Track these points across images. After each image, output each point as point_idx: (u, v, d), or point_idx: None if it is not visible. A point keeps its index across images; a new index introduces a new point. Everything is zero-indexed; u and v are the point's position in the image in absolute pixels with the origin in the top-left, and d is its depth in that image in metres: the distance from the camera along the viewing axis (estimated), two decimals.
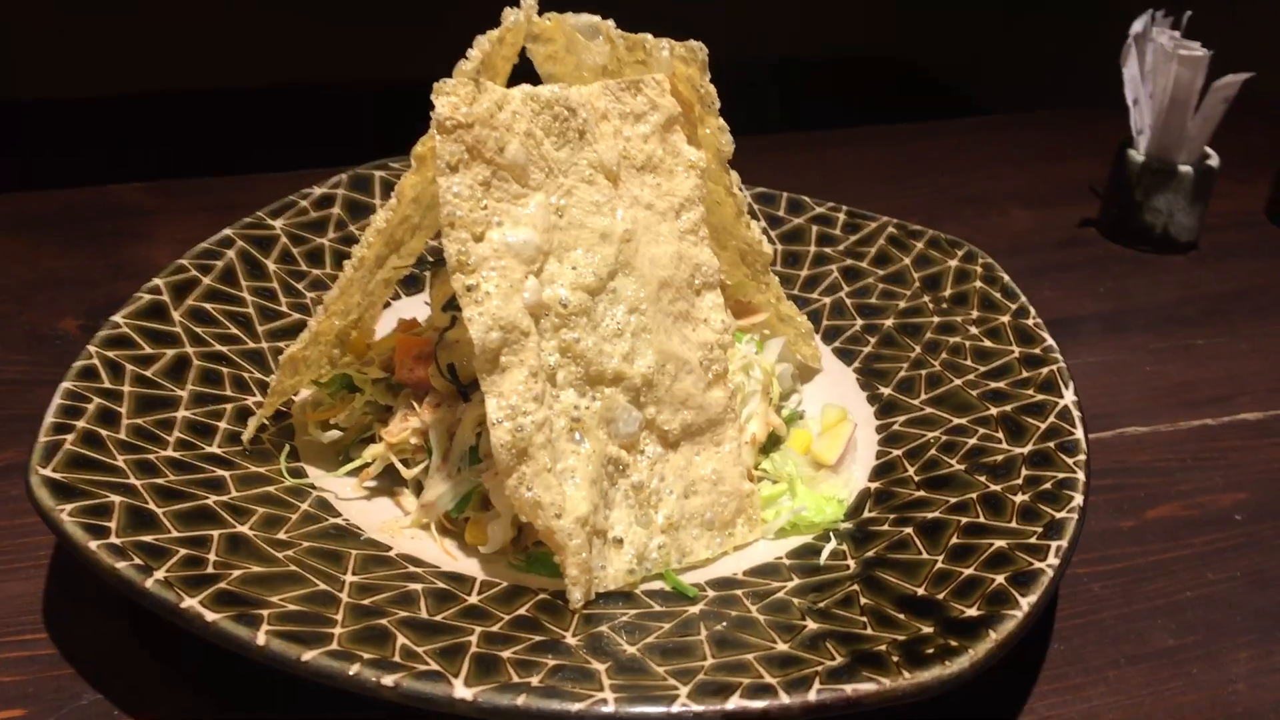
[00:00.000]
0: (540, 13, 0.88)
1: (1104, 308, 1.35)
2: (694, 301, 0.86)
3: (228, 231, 1.10)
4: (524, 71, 0.91)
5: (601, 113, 0.83)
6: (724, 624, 0.75)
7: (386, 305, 1.06)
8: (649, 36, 0.86)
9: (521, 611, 0.76)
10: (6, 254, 1.30)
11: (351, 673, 0.66)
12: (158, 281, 1.02)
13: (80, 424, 0.84)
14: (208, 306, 1.02)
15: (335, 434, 0.91)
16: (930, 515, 0.85)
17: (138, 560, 0.73)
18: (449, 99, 0.75)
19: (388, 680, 0.66)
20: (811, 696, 0.66)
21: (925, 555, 0.81)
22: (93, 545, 0.73)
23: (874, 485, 0.91)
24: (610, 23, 0.88)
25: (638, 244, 0.83)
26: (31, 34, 1.56)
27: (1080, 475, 0.85)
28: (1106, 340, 1.28)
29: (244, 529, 0.80)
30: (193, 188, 1.48)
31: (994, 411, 0.95)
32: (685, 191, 0.86)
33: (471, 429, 0.84)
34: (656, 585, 0.82)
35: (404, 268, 0.94)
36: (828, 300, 1.13)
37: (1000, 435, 0.92)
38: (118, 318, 0.96)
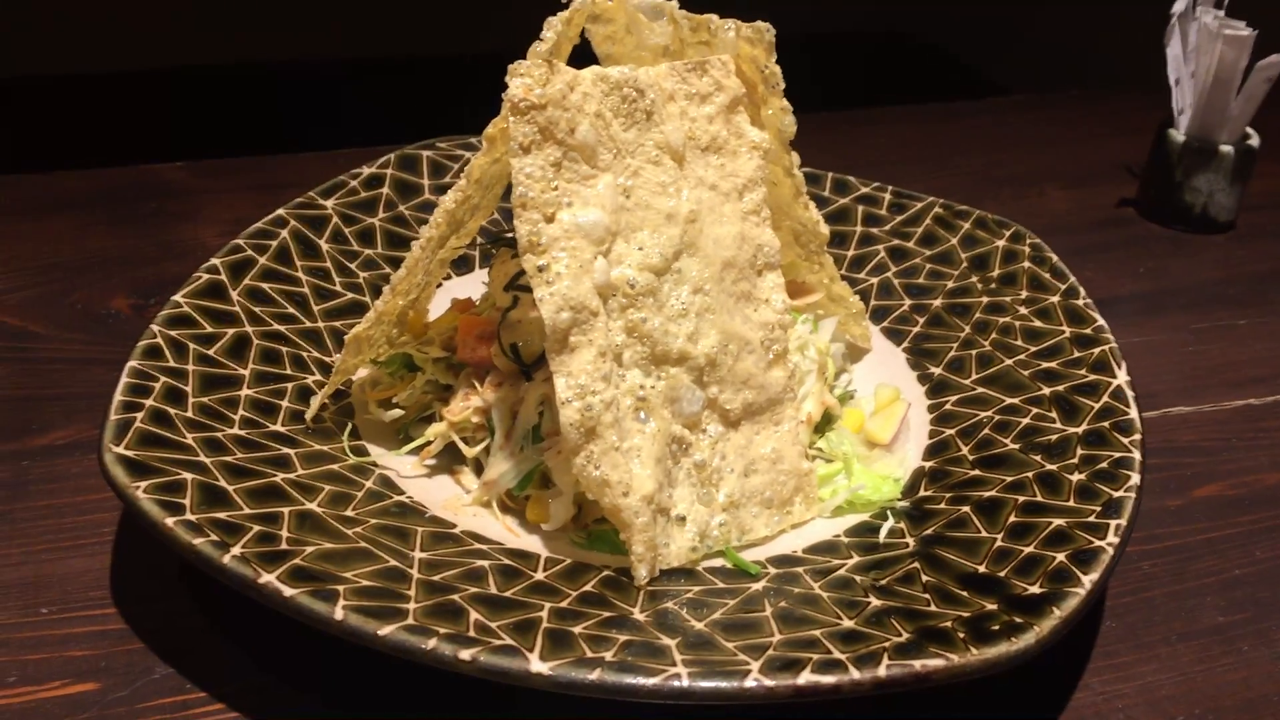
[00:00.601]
0: None
1: (1144, 287, 1.35)
2: (756, 282, 0.87)
3: (281, 211, 1.11)
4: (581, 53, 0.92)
5: (669, 94, 0.84)
6: (787, 601, 0.76)
7: (438, 285, 1.07)
8: (714, 17, 0.87)
9: (588, 588, 0.77)
10: (54, 233, 1.31)
11: (429, 646, 0.68)
12: (215, 261, 1.03)
13: (149, 402, 0.85)
14: (265, 286, 1.03)
15: (396, 413, 0.92)
16: (987, 494, 0.86)
17: (214, 536, 0.74)
18: (523, 80, 0.76)
19: (465, 654, 0.67)
20: (881, 672, 0.67)
21: (984, 533, 0.81)
22: (170, 522, 0.74)
23: (929, 464, 0.92)
24: (674, 3, 0.89)
25: (702, 224, 0.84)
26: (69, 7, 1.56)
27: (1136, 454, 0.86)
28: (1148, 320, 1.28)
29: (312, 506, 0.81)
30: (235, 167, 1.49)
31: (1046, 391, 0.95)
32: (748, 172, 0.87)
33: (534, 408, 0.85)
34: (718, 563, 0.83)
35: (460, 248, 0.95)
36: (875, 280, 1.14)
37: (1054, 415, 0.93)
38: (179, 297, 0.97)
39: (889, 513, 0.86)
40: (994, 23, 2.29)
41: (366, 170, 1.19)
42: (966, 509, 0.85)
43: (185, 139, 1.53)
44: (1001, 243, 1.13)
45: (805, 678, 0.67)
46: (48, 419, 1.02)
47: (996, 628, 0.71)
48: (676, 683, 0.67)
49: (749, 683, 0.67)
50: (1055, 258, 1.10)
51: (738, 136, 0.86)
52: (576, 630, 0.71)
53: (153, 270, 1.26)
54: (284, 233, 1.09)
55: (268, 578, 0.71)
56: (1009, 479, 0.87)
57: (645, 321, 0.80)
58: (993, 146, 1.68)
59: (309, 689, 0.77)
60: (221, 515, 0.77)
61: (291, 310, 1.02)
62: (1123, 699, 0.80)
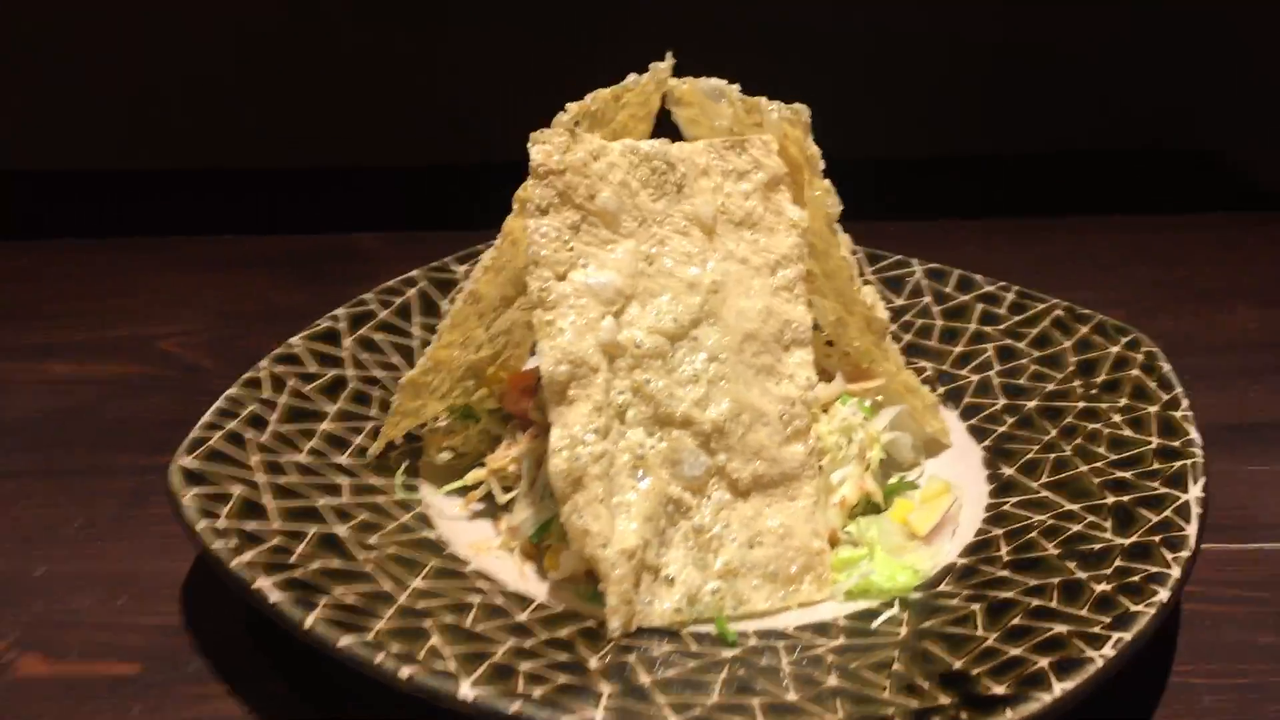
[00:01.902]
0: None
1: None
2: (780, 356, 0.87)
3: (414, 273, 1.21)
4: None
5: (702, 169, 0.87)
6: (746, 670, 0.75)
7: None
8: (763, 100, 0.90)
9: (561, 634, 0.79)
10: (246, 286, 1.48)
11: (376, 661, 0.72)
12: (339, 311, 1.13)
13: (230, 425, 0.95)
14: (377, 337, 1.12)
15: (447, 455, 0.98)
16: (1004, 595, 0.82)
17: (233, 543, 0.81)
18: (543, 147, 0.81)
19: (404, 672, 0.71)
20: None
21: (980, 632, 0.78)
22: (200, 525, 0.83)
23: (961, 561, 0.88)
24: (735, 87, 0.92)
25: (725, 295, 0.86)
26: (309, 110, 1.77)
27: (1174, 572, 0.80)
28: None
29: (339, 530, 0.87)
30: (422, 238, 1.62)
31: (1110, 500, 0.90)
32: (784, 249, 0.88)
33: None
34: (707, 629, 0.83)
35: None
36: (975, 378, 1.10)
37: (1108, 525, 0.87)
38: (295, 339, 1.08)
39: (898, 602, 0.84)
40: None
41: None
42: (976, 607, 0.81)
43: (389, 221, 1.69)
44: (1115, 349, 1.08)
45: None
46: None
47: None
48: None
49: None
50: (1167, 367, 1.03)
51: (776, 214, 0.88)
52: (524, 667, 0.73)
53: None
54: (411, 291, 1.19)
55: (262, 582, 0.78)
56: (1032, 583, 0.82)
57: (649, 383, 0.82)
58: (1192, 260, 1.58)
59: (314, 703, 0.83)
60: (249, 526, 0.84)
61: (395, 360, 1.10)
62: None
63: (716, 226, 0.86)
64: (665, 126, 0.97)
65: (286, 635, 0.77)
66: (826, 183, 0.90)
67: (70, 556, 0.98)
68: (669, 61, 0.93)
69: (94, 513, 1.04)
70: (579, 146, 0.82)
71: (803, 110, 0.88)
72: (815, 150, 0.88)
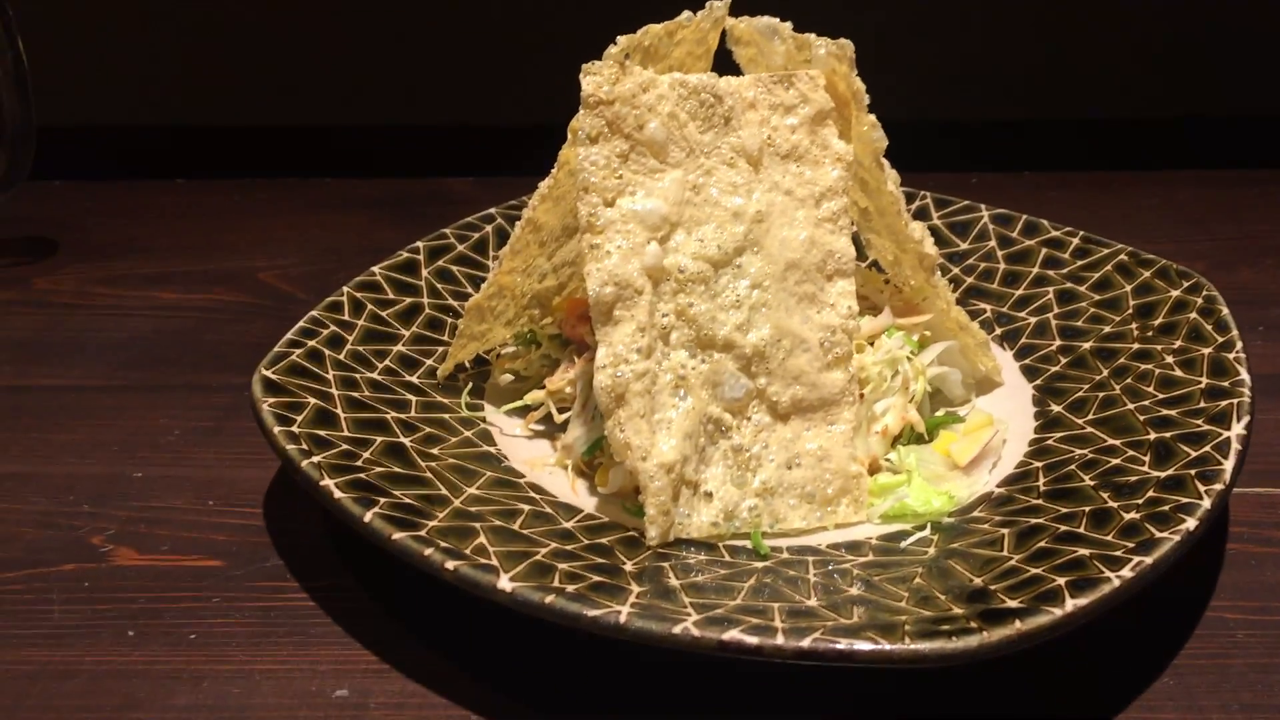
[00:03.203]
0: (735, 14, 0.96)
1: None
2: (823, 285, 0.90)
3: (492, 210, 1.26)
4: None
5: (750, 102, 0.90)
6: (772, 579, 0.79)
7: None
8: (812, 36, 0.92)
9: (602, 540, 0.84)
10: (347, 225, 1.55)
11: (425, 553, 0.77)
12: (419, 244, 1.19)
13: (311, 343, 1.02)
14: (454, 269, 1.18)
15: (508, 377, 1.03)
16: (1034, 521, 0.84)
17: (305, 446, 0.88)
18: (594, 78, 0.85)
19: (450, 565, 0.76)
20: (805, 643, 0.69)
21: (1004, 553, 0.80)
22: (277, 430, 0.89)
23: (999, 491, 0.90)
24: (788, 24, 0.95)
25: (770, 225, 0.89)
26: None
27: (1204, 503, 0.81)
28: None
29: (405, 440, 0.93)
30: (514, 183, 1.67)
31: (1152, 436, 0.91)
32: (828, 181, 0.91)
33: None
34: (744, 543, 0.86)
35: None
36: (1033, 320, 1.11)
37: (1146, 459, 0.88)
38: (376, 268, 1.14)
39: (930, 525, 0.86)
40: None
41: None
42: (1005, 532, 0.83)
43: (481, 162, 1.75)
44: (1176, 293, 1.08)
45: (731, 634, 0.70)
46: None
47: (946, 628, 0.70)
48: (615, 618, 0.72)
49: (678, 629, 0.71)
50: (1225, 310, 1.03)
51: (822, 148, 0.91)
52: (561, 566, 0.78)
53: None
54: (489, 228, 1.24)
55: (328, 482, 0.84)
56: (1063, 510, 0.84)
57: (692, 307, 0.86)
58: (1275, 215, 1.55)
59: (380, 598, 0.89)
60: (321, 432, 0.91)
61: (470, 290, 1.15)
62: None
63: (763, 159, 0.89)
64: (726, 65, 1.00)
65: (355, 535, 0.84)
66: (872, 117, 0.92)
67: (168, 462, 1.06)
68: (726, 0, 0.95)
69: (190, 424, 1.12)
70: (628, 78, 0.85)
71: (847, 45, 0.90)
72: (860, 85, 0.91)
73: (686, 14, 0.93)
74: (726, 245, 0.87)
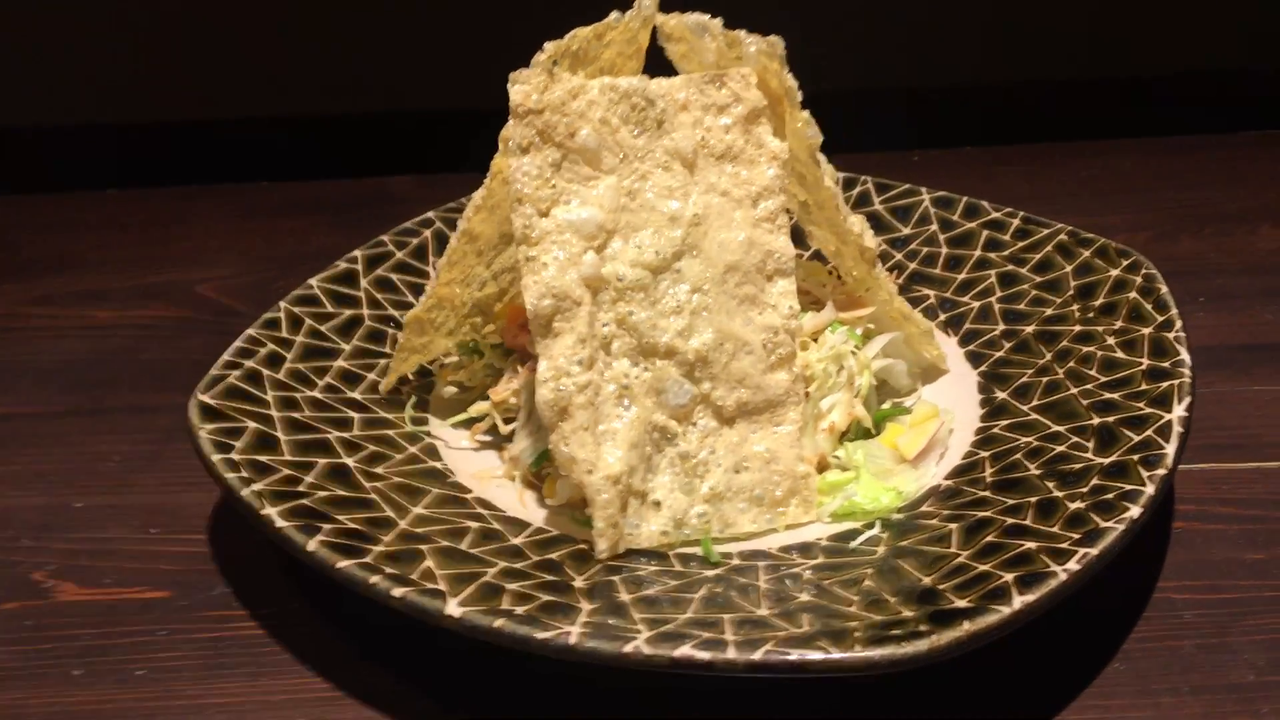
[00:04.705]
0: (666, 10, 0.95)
1: None
2: (763, 286, 0.90)
3: (430, 214, 1.25)
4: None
5: (681, 103, 0.89)
6: (722, 588, 0.79)
7: None
8: (742, 33, 0.91)
9: (551, 556, 0.83)
10: (282, 231, 1.53)
11: (371, 581, 0.76)
12: (356, 253, 1.17)
13: (248, 363, 1.00)
14: (394, 277, 1.16)
15: (452, 390, 1.02)
16: (981, 514, 0.84)
17: (245, 474, 0.86)
18: (521, 87, 0.84)
19: (396, 592, 0.75)
20: (757, 656, 0.69)
21: (953, 550, 0.80)
22: (215, 458, 0.88)
23: (946, 483, 0.90)
24: (718, 21, 0.94)
25: (707, 228, 0.88)
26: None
27: (1147, 489, 0.81)
28: None
29: (348, 461, 0.92)
30: (453, 181, 1.65)
31: (1095, 421, 0.91)
32: (764, 181, 0.90)
33: None
34: (694, 550, 0.86)
35: None
36: (977, 305, 1.11)
37: (1090, 445, 0.89)
38: (313, 280, 1.13)
39: (879, 523, 0.86)
40: None
41: None
42: (953, 526, 0.83)
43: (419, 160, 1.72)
44: (1115, 272, 1.08)
45: (682, 651, 0.70)
46: None
47: (896, 633, 0.70)
48: (565, 640, 0.72)
49: (628, 648, 0.70)
50: (1164, 289, 1.04)
51: (757, 146, 0.90)
52: (511, 587, 0.78)
53: None
54: (427, 232, 1.22)
55: (269, 511, 0.83)
56: (1010, 502, 0.84)
57: (632, 315, 0.85)
58: (1220, 182, 1.56)
59: (332, 622, 0.88)
60: (262, 458, 0.89)
61: (411, 300, 1.14)
62: None
63: (697, 160, 0.88)
64: (658, 63, 0.99)
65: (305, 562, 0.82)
66: (806, 114, 0.91)
67: (109, 491, 1.04)
68: None
69: (132, 449, 1.10)
70: (557, 86, 0.84)
71: (777, 42, 0.89)
72: (793, 82, 0.90)
73: (615, 14, 0.92)
74: (664, 251, 0.86)
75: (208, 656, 0.86)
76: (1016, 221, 1.19)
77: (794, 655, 0.69)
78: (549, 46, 0.86)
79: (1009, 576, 0.75)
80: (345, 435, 0.95)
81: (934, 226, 1.22)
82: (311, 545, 0.80)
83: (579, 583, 0.80)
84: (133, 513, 1.01)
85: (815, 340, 0.96)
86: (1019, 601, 0.72)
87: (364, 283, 1.14)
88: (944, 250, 1.19)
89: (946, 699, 0.79)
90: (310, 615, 0.89)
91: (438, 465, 0.95)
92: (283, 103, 1.81)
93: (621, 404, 0.85)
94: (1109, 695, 0.80)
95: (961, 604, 0.73)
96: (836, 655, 0.69)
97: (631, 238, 0.86)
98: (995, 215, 1.20)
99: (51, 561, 0.96)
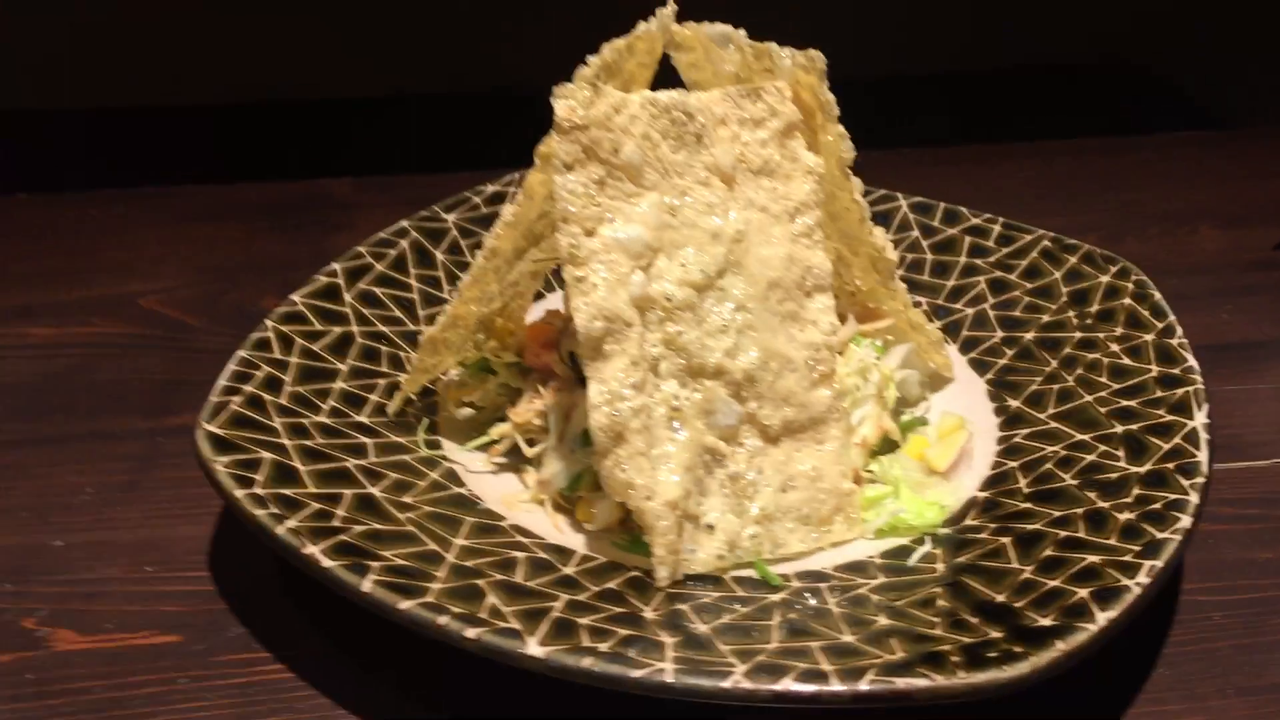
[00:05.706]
0: (680, 21, 0.93)
1: None
2: (803, 303, 0.89)
3: (404, 223, 1.20)
4: (672, 78, 0.96)
5: (720, 118, 0.87)
6: (797, 613, 0.78)
7: (540, 297, 1.12)
8: (774, 45, 0.90)
9: (611, 585, 0.81)
10: (224, 237, 1.45)
11: (440, 622, 0.73)
12: (335, 266, 1.12)
13: (248, 388, 0.94)
14: (377, 290, 1.11)
15: (468, 411, 0.98)
16: (1031, 526, 0.85)
17: (275, 510, 0.81)
18: (566, 102, 0.81)
19: (470, 633, 0.72)
20: (863, 686, 0.68)
21: (1015, 565, 0.81)
22: (239, 494, 0.83)
23: (983, 494, 0.91)
24: (741, 32, 0.92)
25: (749, 244, 0.86)
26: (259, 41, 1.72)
27: (1192, 498, 0.83)
28: None
29: (374, 490, 0.87)
30: (395, 183, 1.60)
31: (1119, 429, 0.93)
32: (801, 195, 0.89)
33: (586, 413, 0.89)
34: (748, 573, 0.85)
35: (547, 261, 1.00)
36: (971, 311, 1.13)
37: (1121, 453, 0.90)
38: (295, 296, 1.07)
39: (929, 539, 0.86)
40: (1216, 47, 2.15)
41: (490, 188, 1.26)
42: (1006, 540, 0.84)
43: (356, 160, 1.66)
44: (1106, 278, 1.11)
45: (784, 684, 0.69)
46: (185, 401, 1.11)
47: (993, 655, 0.70)
48: (661, 677, 0.69)
49: (728, 683, 0.69)
50: (1158, 295, 1.07)
51: (792, 161, 0.89)
52: (584, 621, 0.75)
53: (305, 273, 1.33)
54: (404, 243, 1.17)
55: (312, 549, 0.78)
56: (1057, 514, 0.85)
57: (682, 335, 0.83)
58: (1152, 182, 1.62)
59: (358, 655, 0.84)
60: (288, 491, 0.84)
61: (398, 314, 1.09)
62: None
63: (736, 175, 0.87)
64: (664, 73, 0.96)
65: (321, 593, 0.78)
66: (840, 128, 0.90)
67: (87, 526, 0.97)
68: (671, 7, 0.92)
69: (102, 479, 1.03)
70: (601, 100, 0.81)
71: (817, 57, 0.88)
72: (830, 97, 0.89)
73: (642, 24, 0.89)
74: (709, 268, 0.85)
75: (237, 704, 0.81)
76: (998, 228, 1.21)
77: (900, 684, 0.68)
78: (594, 60, 0.83)
79: (1083, 592, 0.76)
80: (363, 462, 0.91)
81: (915, 233, 1.23)
82: (366, 585, 0.75)
83: (649, 614, 0.77)
84: (121, 550, 0.95)
85: (842, 354, 0.96)
86: (1102, 618, 0.73)
87: (348, 297, 1.09)
88: (929, 256, 1.20)
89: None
90: (334, 650, 0.85)
91: (463, 491, 0.91)
92: (180, 91, 1.72)
93: (671, 426, 0.83)
94: (1160, 701, 0.82)
95: (1045, 622, 0.73)
96: (943, 682, 0.68)
97: (675, 256, 0.84)
98: (976, 221, 1.22)
99: (41, 607, 0.89)
